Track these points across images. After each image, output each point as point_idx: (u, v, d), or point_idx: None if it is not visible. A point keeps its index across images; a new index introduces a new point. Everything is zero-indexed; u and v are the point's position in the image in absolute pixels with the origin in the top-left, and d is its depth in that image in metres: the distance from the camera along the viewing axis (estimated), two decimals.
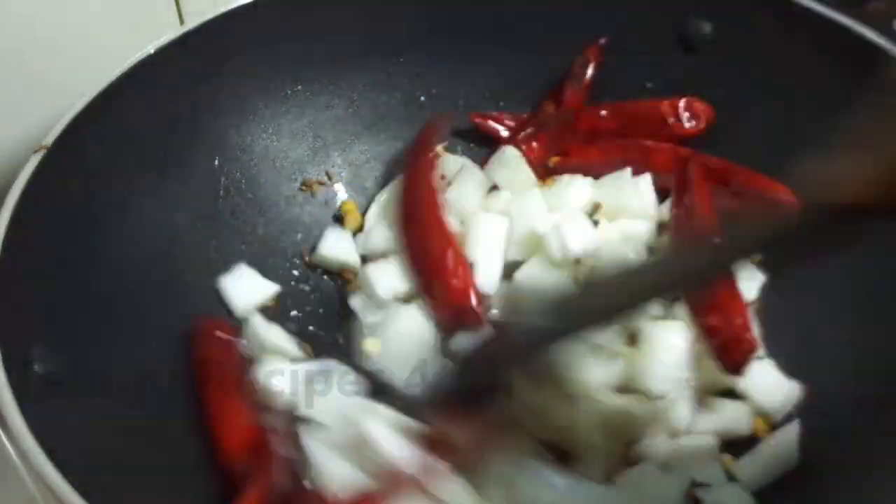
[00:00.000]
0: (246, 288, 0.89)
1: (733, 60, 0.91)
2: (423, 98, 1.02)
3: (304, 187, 0.98)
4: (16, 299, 0.68)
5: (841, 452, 0.74)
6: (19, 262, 0.69)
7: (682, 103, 0.93)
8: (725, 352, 0.77)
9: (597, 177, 0.94)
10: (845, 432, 0.75)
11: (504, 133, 0.99)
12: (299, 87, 0.97)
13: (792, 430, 0.77)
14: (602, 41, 0.97)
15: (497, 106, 1.02)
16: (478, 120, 1.00)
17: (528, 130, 0.97)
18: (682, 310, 0.81)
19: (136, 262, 0.83)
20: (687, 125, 0.94)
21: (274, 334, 0.85)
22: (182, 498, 0.71)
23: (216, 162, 0.92)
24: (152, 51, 0.85)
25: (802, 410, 0.79)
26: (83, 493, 0.57)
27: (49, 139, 0.76)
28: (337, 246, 0.94)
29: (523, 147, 0.95)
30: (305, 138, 0.99)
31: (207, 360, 0.80)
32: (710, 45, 0.93)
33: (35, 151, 0.75)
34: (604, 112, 0.97)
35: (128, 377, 0.76)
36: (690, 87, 0.94)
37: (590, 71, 0.97)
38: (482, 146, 1.01)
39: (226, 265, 0.90)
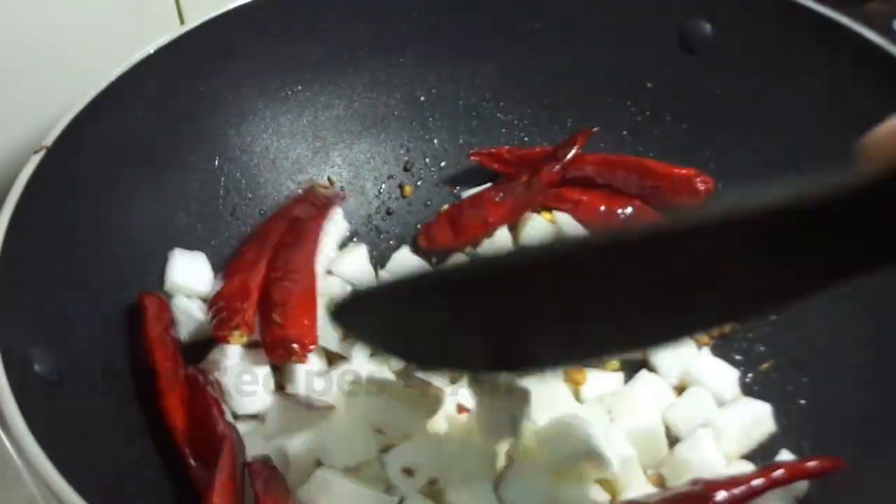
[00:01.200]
0: (193, 272, 0.87)
1: (733, 60, 0.91)
2: (422, 98, 1.02)
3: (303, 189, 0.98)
4: (16, 299, 0.68)
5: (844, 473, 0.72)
6: (19, 262, 0.69)
7: (699, 181, 0.89)
8: None
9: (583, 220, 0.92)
10: (849, 450, 0.73)
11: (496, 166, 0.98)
12: (299, 87, 0.97)
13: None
14: (594, 129, 0.95)
15: (497, 106, 1.02)
16: (475, 158, 0.99)
17: (499, 195, 0.93)
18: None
19: (137, 263, 0.83)
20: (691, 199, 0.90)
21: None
22: (182, 497, 0.71)
23: (216, 162, 0.92)
24: (152, 51, 0.85)
25: (806, 432, 0.77)
26: (83, 493, 0.57)
27: (49, 139, 0.76)
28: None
29: (485, 206, 0.93)
30: (305, 138, 0.99)
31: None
32: (710, 46, 0.93)
33: (35, 151, 0.75)
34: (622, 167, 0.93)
35: (128, 377, 0.76)
36: (690, 87, 0.94)
37: (571, 153, 0.94)
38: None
39: (225, 265, 0.90)
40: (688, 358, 0.82)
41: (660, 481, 0.76)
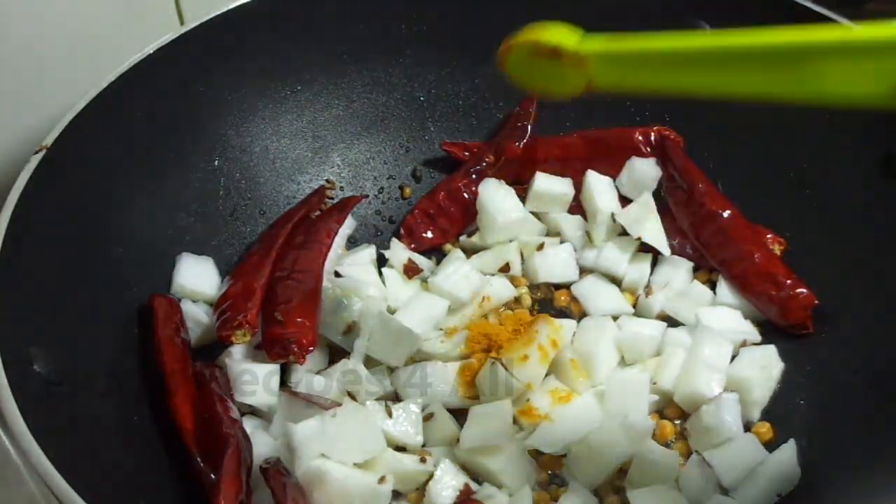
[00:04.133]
0: (200, 276, 0.87)
1: None
2: (422, 98, 1.02)
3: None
4: (16, 299, 0.68)
5: (842, 471, 0.72)
6: (19, 262, 0.70)
7: (653, 133, 0.93)
8: (787, 312, 0.83)
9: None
10: (847, 450, 0.74)
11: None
12: (299, 88, 0.97)
13: (790, 449, 0.75)
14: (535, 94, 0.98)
15: (497, 106, 1.02)
16: (447, 148, 1.01)
17: (472, 172, 0.96)
18: (728, 291, 0.86)
19: (137, 262, 0.83)
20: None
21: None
22: (182, 497, 0.71)
23: (216, 162, 0.92)
24: (152, 51, 0.85)
25: (805, 430, 0.77)
26: (83, 493, 0.57)
27: (49, 139, 0.76)
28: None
29: (462, 185, 0.96)
30: (305, 138, 0.99)
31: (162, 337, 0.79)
32: None
33: (35, 151, 0.75)
34: (572, 139, 0.97)
35: (128, 377, 0.76)
36: None
37: (529, 126, 0.97)
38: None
39: (226, 265, 0.90)
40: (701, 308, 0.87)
41: (686, 448, 0.78)
